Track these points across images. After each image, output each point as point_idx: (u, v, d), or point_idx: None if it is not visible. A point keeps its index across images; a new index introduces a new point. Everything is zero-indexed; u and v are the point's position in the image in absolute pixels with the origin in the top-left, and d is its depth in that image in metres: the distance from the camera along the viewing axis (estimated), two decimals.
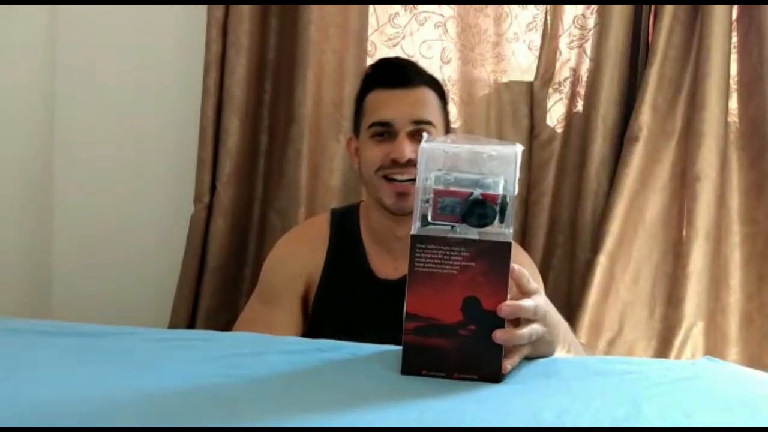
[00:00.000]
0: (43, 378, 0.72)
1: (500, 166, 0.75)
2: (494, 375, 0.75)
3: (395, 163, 1.15)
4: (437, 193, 0.74)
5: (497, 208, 0.73)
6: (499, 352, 0.74)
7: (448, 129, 1.25)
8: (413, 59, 1.60)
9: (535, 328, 0.79)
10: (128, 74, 1.66)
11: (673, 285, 1.51)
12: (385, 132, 1.18)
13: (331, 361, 0.79)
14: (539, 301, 0.80)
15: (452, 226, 0.74)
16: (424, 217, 0.74)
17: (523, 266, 0.81)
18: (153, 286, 1.67)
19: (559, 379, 0.76)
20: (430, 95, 1.21)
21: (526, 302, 0.78)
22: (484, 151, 0.75)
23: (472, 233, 0.73)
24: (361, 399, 0.68)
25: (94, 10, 1.64)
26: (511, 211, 0.74)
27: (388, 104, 1.18)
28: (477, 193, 0.73)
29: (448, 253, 0.73)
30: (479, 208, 0.73)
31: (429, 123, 1.18)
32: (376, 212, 1.23)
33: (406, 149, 1.14)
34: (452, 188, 0.74)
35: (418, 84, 1.20)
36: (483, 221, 0.73)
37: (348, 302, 1.22)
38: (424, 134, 0.80)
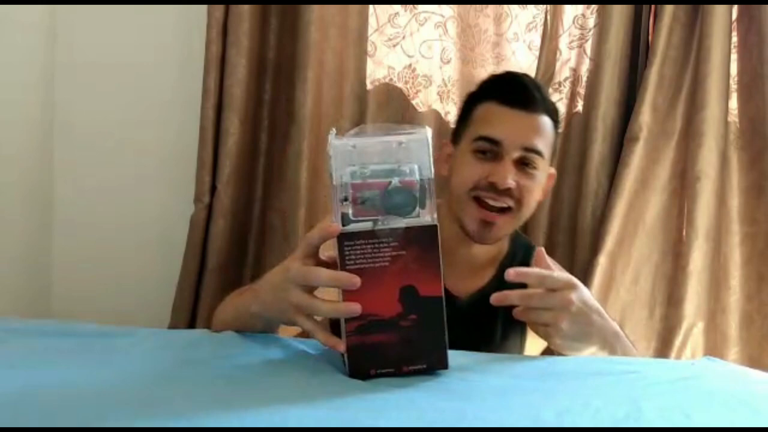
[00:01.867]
0: (42, 378, 0.72)
1: (412, 152, 0.73)
2: (442, 361, 0.75)
3: (492, 187, 1.07)
4: (355, 188, 0.72)
5: (417, 194, 0.72)
6: (442, 337, 0.74)
7: (552, 162, 1.16)
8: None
9: (536, 292, 0.83)
10: (128, 74, 1.66)
11: (673, 285, 1.51)
12: (490, 151, 1.09)
13: (330, 362, 0.79)
14: (557, 280, 0.83)
15: (376, 220, 0.72)
16: (344, 216, 0.72)
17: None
18: (153, 286, 1.66)
19: (559, 379, 0.76)
20: (547, 124, 1.11)
21: (533, 270, 0.83)
22: (393, 140, 0.74)
23: (398, 222, 0.72)
24: (361, 399, 0.68)
25: (93, 10, 1.64)
26: (432, 195, 0.72)
27: (502, 122, 1.09)
28: (396, 181, 0.72)
29: (377, 245, 0.71)
30: (400, 196, 0.72)
31: (539, 153, 1.09)
32: (452, 226, 1.13)
33: (509, 176, 1.06)
34: (369, 181, 0.72)
35: (538, 110, 1.10)
36: (406, 209, 0.72)
37: None
38: (332, 129, 0.78)
